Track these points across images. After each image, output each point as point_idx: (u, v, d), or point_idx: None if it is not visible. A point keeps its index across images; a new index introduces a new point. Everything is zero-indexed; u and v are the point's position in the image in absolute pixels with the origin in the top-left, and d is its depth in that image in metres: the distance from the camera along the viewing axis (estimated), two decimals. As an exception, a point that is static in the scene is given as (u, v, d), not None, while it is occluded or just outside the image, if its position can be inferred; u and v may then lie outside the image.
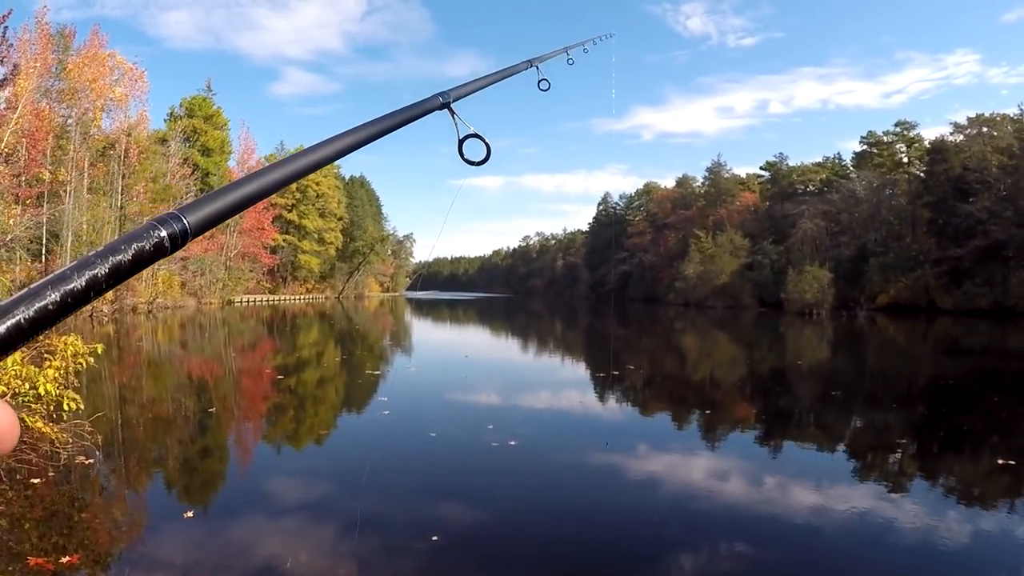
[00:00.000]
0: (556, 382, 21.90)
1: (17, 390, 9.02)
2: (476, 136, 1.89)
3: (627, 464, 11.21)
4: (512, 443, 12.00)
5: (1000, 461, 11.47)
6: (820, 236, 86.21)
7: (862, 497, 9.28)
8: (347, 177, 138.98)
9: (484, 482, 9.98)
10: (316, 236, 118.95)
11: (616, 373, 23.12)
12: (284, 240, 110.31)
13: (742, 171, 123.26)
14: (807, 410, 17.08)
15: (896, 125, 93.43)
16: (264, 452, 12.62)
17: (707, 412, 16.59)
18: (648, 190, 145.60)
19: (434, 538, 7.30)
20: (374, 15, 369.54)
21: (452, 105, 1.88)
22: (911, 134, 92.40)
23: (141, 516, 8.49)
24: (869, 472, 11.13)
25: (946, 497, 9.85)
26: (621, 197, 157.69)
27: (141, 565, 6.55)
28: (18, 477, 8.83)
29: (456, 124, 1.89)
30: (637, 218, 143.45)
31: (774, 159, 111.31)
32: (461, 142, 1.89)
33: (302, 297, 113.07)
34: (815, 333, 45.95)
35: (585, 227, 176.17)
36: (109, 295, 58.06)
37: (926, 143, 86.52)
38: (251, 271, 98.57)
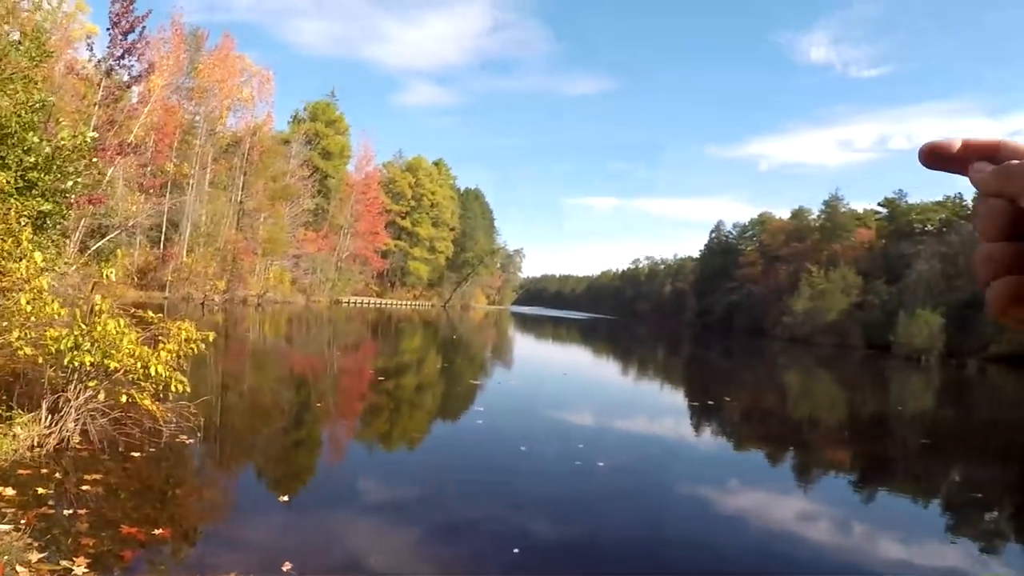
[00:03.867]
0: (650, 407, 21.81)
1: (129, 368, 9.35)
2: None
3: (712, 497, 11.14)
4: (600, 464, 12.03)
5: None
6: (935, 279, 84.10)
7: (953, 555, 9.11)
8: (462, 189, 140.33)
9: (570, 500, 10.01)
10: (428, 244, 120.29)
11: (711, 403, 22.97)
12: (396, 245, 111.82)
13: (859, 206, 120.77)
14: (904, 459, 16.73)
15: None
16: (357, 450, 12.86)
17: (800, 452, 16.37)
18: (762, 220, 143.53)
19: (515, 550, 7.38)
20: (499, 32, 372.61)
21: None
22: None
23: (232, 499, 8.77)
24: (962, 529, 10.88)
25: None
26: (734, 226, 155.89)
27: (227, 545, 6.78)
28: (120, 450, 9.18)
29: None
30: (749, 248, 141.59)
31: (893, 195, 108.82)
32: None
33: (408, 303, 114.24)
34: (921, 380, 44.78)
35: (696, 253, 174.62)
36: (221, 285, 59.70)
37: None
38: (361, 273, 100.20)
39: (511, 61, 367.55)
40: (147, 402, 9.59)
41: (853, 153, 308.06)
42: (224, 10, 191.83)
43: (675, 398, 26.71)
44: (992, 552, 9.51)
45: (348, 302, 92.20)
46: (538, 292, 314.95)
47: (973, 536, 10.40)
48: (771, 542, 8.99)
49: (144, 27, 39.13)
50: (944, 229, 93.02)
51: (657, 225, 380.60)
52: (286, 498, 8.55)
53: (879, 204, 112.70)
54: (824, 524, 10.06)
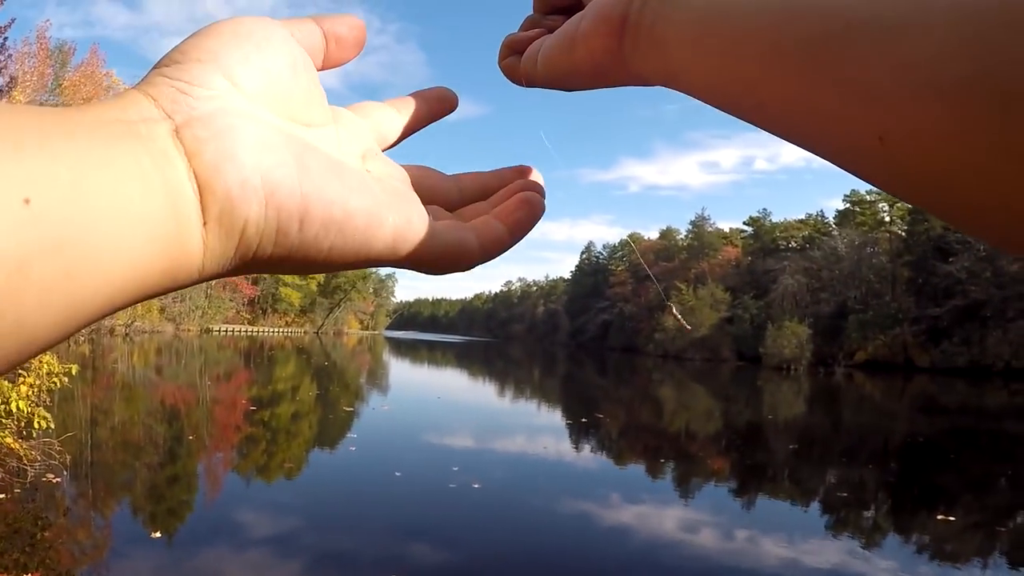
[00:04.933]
0: (526, 427, 21.83)
1: (-12, 405, 8.97)
2: None
3: (593, 512, 11.16)
4: (476, 485, 11.95)
5: (974, 519, 11.61)
6: (800, 292, 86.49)
7: (834, 552, 9.29)
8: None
9: (446, 523, 9.91)
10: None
11: (584, 420, 23.12)
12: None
13: (726, 225, 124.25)
14: (780, 464, 17.08)
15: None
16: (232, 482, 12.55)
17: (679, 463, 16.58)
18: (632, 240, 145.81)
19: (393, 576, 7.27)
20: (371, 55, 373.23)
21: None
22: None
23: (106, 539, 8.42)
24: (841, 527, 11.13)
25: (919, 554, 9.89)
26: (604, 247, 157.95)
27: (103, 586, 6.50)
28: (-17, 493, 8.76)
29: None
30: (619, 268, 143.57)
31: (758, 215, 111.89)
32: None
33: (281, 330, 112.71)
34: (791, 388, 46.01)
35: (567, 275, 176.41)
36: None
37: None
38: (231, 300, 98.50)
39: (383, 85, 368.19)
40: (9, 440, 9.21)
41: (718, 175, 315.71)
42: (90, 25, 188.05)
43: (551, 417, 26.83)
44: (872, 547, 9.76)
45: (219, 330, 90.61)
46: (412, 316, 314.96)
47: (852, 533, 10.67)
48: (658, 552, 9.04)
49: (6, 38, 37.55)
50: (807, 245, 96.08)
51: (529, 247, 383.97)
52: (163, 535, 8.27)
53: (744, 223, 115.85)
54: (709, 531, 10.16)
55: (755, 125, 0.55)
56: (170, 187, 0.39)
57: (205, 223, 0.41)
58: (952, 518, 11.73)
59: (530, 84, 0.71)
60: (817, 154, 0.50)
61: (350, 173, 0.50)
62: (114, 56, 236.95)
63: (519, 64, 0.71)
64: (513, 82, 0.73)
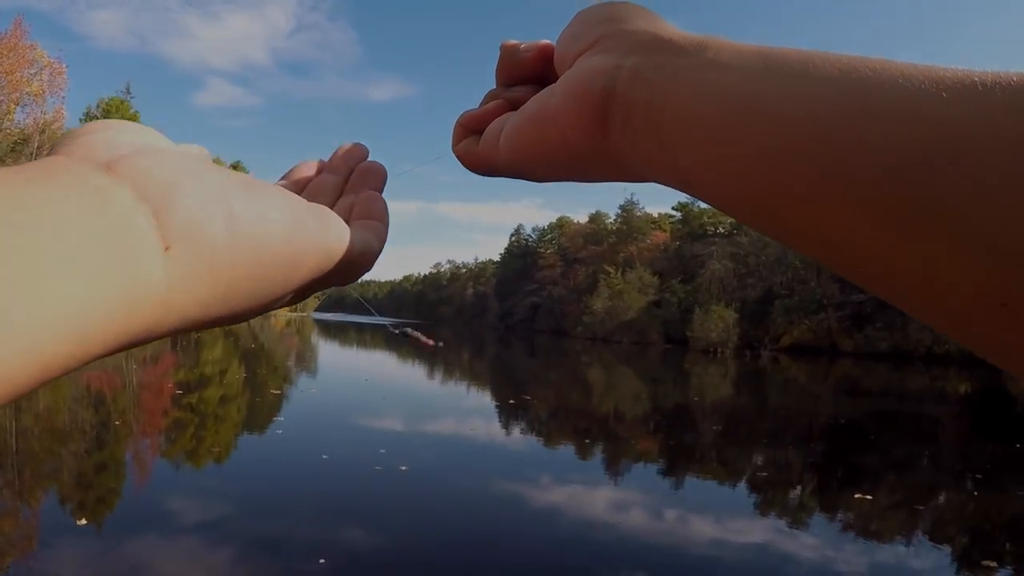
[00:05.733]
0: (455, 409, 21.79)
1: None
2: None
3: (523, 493, 11.17)
4: (403, 468, 11.93)
5: (896, 498, 11.92)
6: (728, 277, 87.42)
7: (760, 530, 9.45)
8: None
9: (374, 506, 9.87)
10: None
11: (513, 402, 23.19)
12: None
13: (654, 211, 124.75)
14: (707, 445, 17.27)
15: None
16: (160, 468, 12.40)
17: (608, 444, 16.71)
18: (561, 224, 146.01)
19: (321, 560, 7.25)
20: (302, 32, 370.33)
21: None
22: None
23: (35, 530, 8.29)
24: (767, 506, 11.30)
25: (843, 532, 10.08)
26: (534, 230, 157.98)
27: (32, 576, 6.42)
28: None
29: None
30: (548, 251, 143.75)
31: (686, 200, 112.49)
32: None
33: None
34: (718, 371, 46.58)
35: (497, 257, 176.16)
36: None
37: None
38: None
39: (313, 63, 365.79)
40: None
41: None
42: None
43: (480, 399, 26.81)
44: (797, 524, 9.94)
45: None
46: (341, 298, 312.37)
47: (778, 512, 10.86)
48: (588, 532, 9.10)
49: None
50: (734, 232, 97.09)
51: (459, 229, 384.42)
52: (91, 524, 8.16)
53: (673, 208, 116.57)
54: (638, 511, 10.26)
55: (813, 258, 0.42)
56: (109, 216, 0.34)
57: (168, 247, 0.36)
58: (874, 497, 11.98)
59: (490, 171, 0.58)
60: (903, 308, 0.37)
61: (275, 187, 0.46)
62: (39, 28, 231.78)
63: (477, 147, 0.58)
64: (470, 170, 0.60)
